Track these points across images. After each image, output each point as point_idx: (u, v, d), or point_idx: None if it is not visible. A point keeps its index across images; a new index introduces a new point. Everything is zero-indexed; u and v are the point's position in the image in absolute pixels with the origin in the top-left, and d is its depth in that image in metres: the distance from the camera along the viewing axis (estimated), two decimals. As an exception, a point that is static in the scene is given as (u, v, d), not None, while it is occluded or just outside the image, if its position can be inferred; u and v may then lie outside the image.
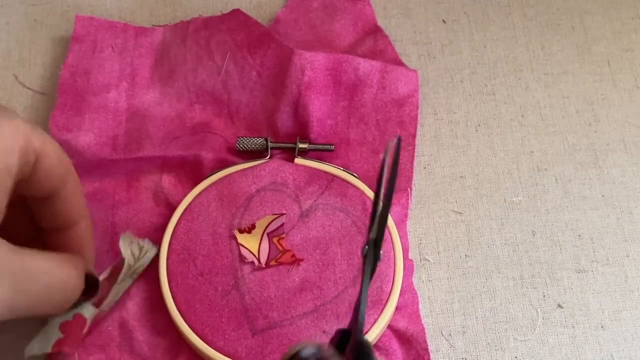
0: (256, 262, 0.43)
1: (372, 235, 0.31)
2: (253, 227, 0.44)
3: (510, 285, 0.45)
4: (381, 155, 0.27)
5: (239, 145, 0.47)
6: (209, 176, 0.46)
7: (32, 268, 0.34)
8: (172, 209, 0.45)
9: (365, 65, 0.48)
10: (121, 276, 0.43)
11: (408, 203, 0.46)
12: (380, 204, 0.31)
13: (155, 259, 0.44)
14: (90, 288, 0.39)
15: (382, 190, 0.31)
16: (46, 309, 0.36)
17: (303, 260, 0.43)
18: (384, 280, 0.42)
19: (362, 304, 0.30)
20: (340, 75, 0.48)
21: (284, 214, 0.44)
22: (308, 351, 0.27)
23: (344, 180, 0.45)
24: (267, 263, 0.43)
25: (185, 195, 0.45)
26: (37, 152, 0.34)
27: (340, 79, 0.48)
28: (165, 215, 0.46)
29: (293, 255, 0.43)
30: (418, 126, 0.49)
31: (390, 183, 0.30)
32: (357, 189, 0.45)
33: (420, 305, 0.44)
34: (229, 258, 0.43)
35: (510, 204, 0.47)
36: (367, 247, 0.31)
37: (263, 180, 0.45)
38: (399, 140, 0.30)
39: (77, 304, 0.40)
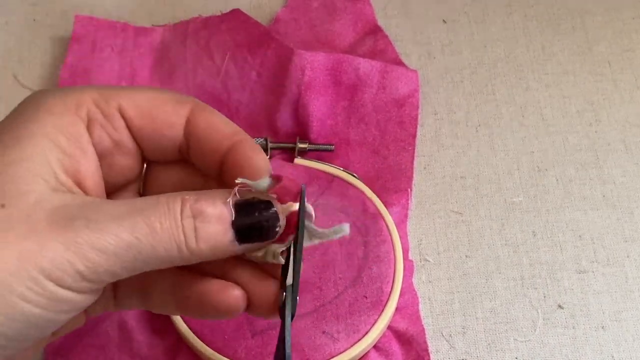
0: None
1: (289, 281, 0.29)
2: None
3: (511, 286, 0.45)
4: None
5: (239, 145, 0.47)
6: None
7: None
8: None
9: (366, 65, 0.48)
10: None
11: (408, 203, 0.46)
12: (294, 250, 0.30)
13: None
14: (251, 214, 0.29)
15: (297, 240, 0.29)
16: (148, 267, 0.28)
17: (303, 260, 0.43)
18: (384, 281, 0.42)
19: (287, 348, 0.29)
20: (340, 75, 0.48)
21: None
22: None
23: (344, 180, 0.45)
24: None
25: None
26: (117, 103, 0.30)
27: (340, 79, 0.48)
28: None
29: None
30: (418, 126, 0.49)
31: (300, 231, 0.29)
32: (357, 189, 0.45)
33: (420, 306, 0.44)
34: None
35: (511, 205, 0.47)
36: (284, 293, 0.29)
37: (263, 181, 0.45)
38: (304, 189, 0.29)
39: None
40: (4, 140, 0.28)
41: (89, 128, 0.30)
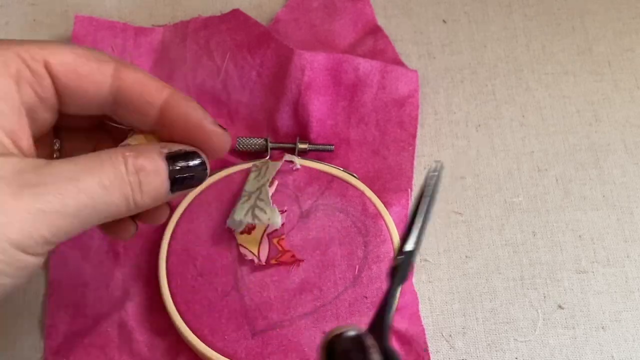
0: (256, 260, 0.43)
1: (409, 247, 0.31)
2: (253, 227, 0.44)
3: (511, 286, 0.45)
4: (431, 168, 0.27)
5: (239, 145, 0.47)
6: (209, 176, 0.46)
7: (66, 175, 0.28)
8: (172, 209, 0.45)
9: (365, 65, 0.48)
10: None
11: (408, 203, 0.46)
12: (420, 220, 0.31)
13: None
14: (184, 164, 0.32)
15: (424, 207, 0.31)
16: (109, 214, 0.30)
17: (303, 261, 0.43)
18: (383, 281, 0.42)
19: (387, 313, 0.29)
20: (340, 75, 0.48)
21: (286, 210, 0.44)
22: (351, 334, 0.27)
23: (343, 180, 0.45)
24: (267, 261, 0.43)
25: (185, 196, 0.45)
26: (43, 59, 0.30)
27: (340, 79, 0.48)
28: (164, 216, 0.46)
29: (293, 256, 0.43)
30: (418, 126, 0.49)
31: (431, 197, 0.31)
32: (357, 189, 0.45)
33: (420, 306, 0.44)
34: (228, 259, 0.43)
35: (511, 205, 0.47)
36: (400, 257, 0.31)
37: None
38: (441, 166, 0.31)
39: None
40: None
41: (17, 86, 0.30)
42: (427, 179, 0.31)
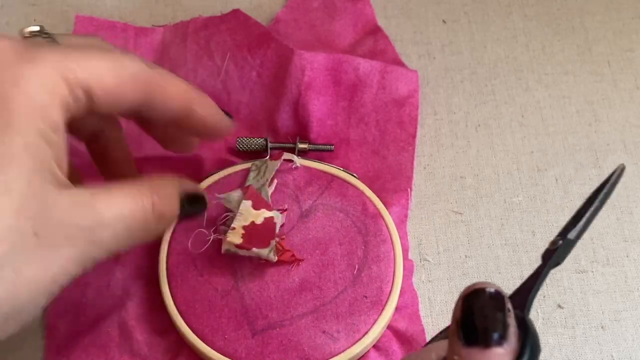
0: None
1: (572, 235, 0.32)
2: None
3: (510, 286, 0.45)
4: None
5: (239, 145, 0.47)
6: (209, 176, 0.46)
7: (105, 213, 0.31)
8: (172, 209, 0.45)
9: (365, 66, 0.48)
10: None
11: (408, 203, 0.46)
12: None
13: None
14: (194, 206, 0.37)
15: (598, 202, 0.32)
16: (127, 245, 0.34)
17: (303, 260, 0.43)
18: (383, 281, 0.42)
19: (535, 291, 0.30)
20: (340, 76, 0.48)
21: (287, 209, 0.44)
22: (493, 291, 0.26)
23: (343, 180, 0.45)
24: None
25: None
26: (86, 85, 0.31)
27: (340, 79, 0.48)
28: (165, 216, 0.46)
29: (293, 255, 0.43)
30: (418, 126, 0.49)
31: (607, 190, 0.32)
32: (357, 189, 0.45)
33: (420, 306, 0.44)
34: (228, 258, 0.43)
35: (511, 205, 0.47)
36: (560, 242, 0.31)
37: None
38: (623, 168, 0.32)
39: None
40: None
41: (62, 111, 0.31)
42: (611, 177, 0.32)
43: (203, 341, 0.41)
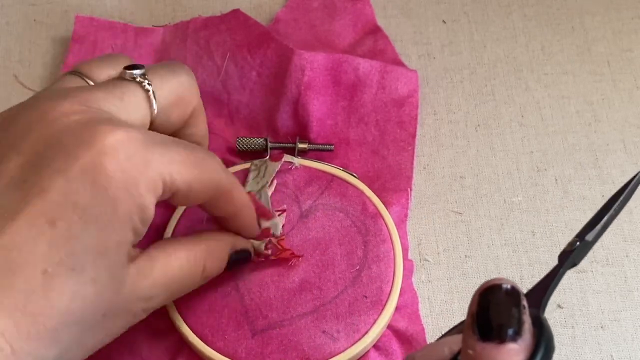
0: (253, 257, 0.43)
1: (590, 237, 0.32)
2: None
3: (510, 286, 0.45)
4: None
5: (239, 145, 0.47)
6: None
7: (160, 280, 0.35)
8: (172, 209, 0.45)
9: (365, 65, 0.48)
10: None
11: (408, 203, 0.46)
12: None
13: None
14: (239, 258, 0.41)
15: (618, 205, 0.33)
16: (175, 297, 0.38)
17: (302, 255, 0.43)
18: (383, 281, 0.42)
19: (550, 290, 0.31)
20: (340, 75, 0.48)
21: (285, 209, 0.44)
22: (509, 287, 0.27)
23: (343, 180, 0.45)
24: (267, 256, 0.43)
25: None
26: (176, 189, 0.35)
27: (340, 79, 0.48)
28: (165, 216, 0.46)
29: (292, 253, 0.43)
30: (418, 126, 0.49)
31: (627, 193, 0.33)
32: (357, 189, 0.45)
33: (420, 306, 0.44)
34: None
35: (510, 204, 0.47)
36: (578, 243, 0.32)
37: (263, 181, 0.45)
38: None
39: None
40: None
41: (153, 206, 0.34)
42: (631, 181, 0.33)
43: (203, 341, 0.41)
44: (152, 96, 0.37)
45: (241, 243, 0.41)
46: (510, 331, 0.25)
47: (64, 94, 0.34)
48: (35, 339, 0.30)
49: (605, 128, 0.50)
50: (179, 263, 0.36)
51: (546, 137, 0.49)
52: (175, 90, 0.38)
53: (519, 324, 0.26)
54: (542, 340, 0.26)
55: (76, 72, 0.38)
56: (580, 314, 0.44)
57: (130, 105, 0.36)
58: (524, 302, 0.26)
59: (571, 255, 0.32)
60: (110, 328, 0.34)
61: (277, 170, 0.45)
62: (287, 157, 0.46)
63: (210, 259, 0.38)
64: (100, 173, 0.31)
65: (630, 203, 0.47)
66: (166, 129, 0.39)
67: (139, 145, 0.33)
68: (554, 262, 0.45)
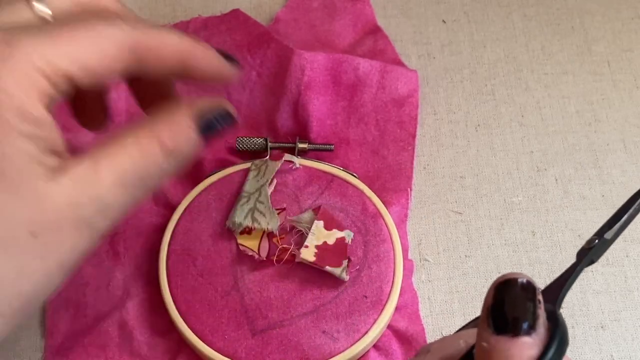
0: (256, 256, 0.43)
1: (608, 235, 0.32)
2: (253, 228, 0.44)
3: (510, 286, 0.45)
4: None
5: (239, 145, 0.47)
6: (208, 176, 0.46)
7: (106, 180, 0.30)
8: (172, 209, 0.45)
9: (365, 65, 0.48)
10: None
11: (408, 203, 0.46)
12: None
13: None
14: (219, 123, 0.34)
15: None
16: (144, 195, 0.32)
17: (300, 253, 0.43)
18: (383, 281, 0.42)
19: (567, 286, 0.31)
20: (340, 75, 0.48)
21: (285, 209, 0.44)
22: (525, 281, 0.27)
23: (343, 180, 0.45)
24: (267, 257, 0.43)
25: (185, 195, 0.45)
26: (67, 72, 0.30)
27: (340, 79, 0.48)
28: (165, 215, 0.46)
29: (292, 254, 0.43)
30: (418, 126, 0.49)
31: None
32: (357, 189, 0.45)
33: (420, 306, 0.44)
34: (228, 258, 0.43)
35: (510, 204, 0.47)
36: (597, 241, 0.32)
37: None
38: None
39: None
40: None
41: (42, 103, 0.30)
42: None
43: (203, 341, 0.41)
44: (37, 5, 0.32)
45: (207, 104, 0.34)
46: (524, 325, 0.26)
47: None
48: None
49: (605, 128, 0.50)
50: (127, 152, 0.31)
51: (546, 137, 0.49)
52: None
53: (534, 317, 0.26)
54: (557, 335, 0.26)
55: None
56: (581, 314, 0.44)
57: (6, 14, 0.31)
58: (539, 297, 0.27)
59: (589, 253, 0.32)
60: (59, 246, 0.30)
61: (277, 169, 0.45)
62: (287, 157, 0.46)
63: (166, 129, 0.32)
64: None
65: (631, 203, 0.47)
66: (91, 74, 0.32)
67: (2, 39, 0.29)
68: (553, 262, 0.46)
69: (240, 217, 0.43)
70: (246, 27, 0.50)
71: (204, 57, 0.35)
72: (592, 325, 0.44)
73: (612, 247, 0.45)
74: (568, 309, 0.44)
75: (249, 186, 0.44)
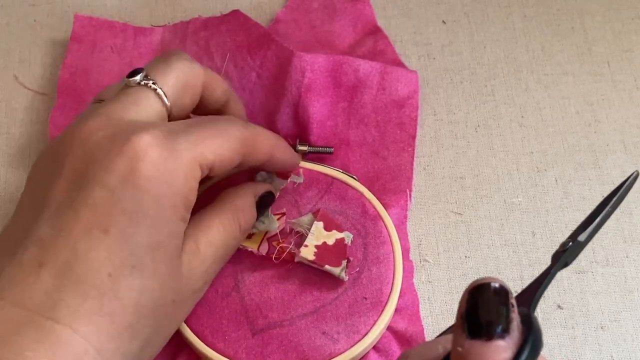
0: (256, 252, 0.43)
1: (582, 238, 0.33)
2: (252, 232, 0.44)
3: (510, 286, 0.45)
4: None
5: (239, 146, 0.47)
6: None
7: (208, 254, 0.38)
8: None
9: (365, 67, 0.48)
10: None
11: (408, 204, 0.46)
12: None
13: None
14: (267, 203, 0.43)
15: (610, 207, 0.33)
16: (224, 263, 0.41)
17: (300, 252, 0.43)
18: (383, 282, 0.42)
19: (541, 290, 0.31)
20: (340, 77, 0.48)
21: (285, 213, 0.44)
22: (498, 285, 0.27)
23: (343, 182, 0.45)
24: (267, 254, 0.43)
25: None
26: (212, 163, 0.37)
27: (340, 80, 0.48)
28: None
29: (292, 254, 0.43)
30: (418, 127, 0.49)
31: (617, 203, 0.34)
32: (357, 191, 0.45)
33: (420, 306, 0.44)
34: (228, 260, 0.43)
35: (510, 205, 0.47)
36: (570, 243, 0.33)
37: (263, 182, 0.45)
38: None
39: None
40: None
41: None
42: (624, 183, 0.34)
43: (203, 342, 0.41)
44: (160, 92, 0.38)
45: (262, 188, 0.43)
46: (498, 328, 0.26)
47: (86, 116, 0.37)
48: (116, 337, 0.33)
49: (605, 128, 0.50)
50: (217, 231, 0.39)
51: (546, 137, 0.49)
52: (178, 79, 0.39)
53: (507, 321, 0.26)
54: (530, 337, 0.26)
55: (95, 101, 0.41)
56: (581, 315, 0.44)
57: (145, 107, 0.38)
58: (512, 301, 0.27)
59: (563, 256, 0.32)
60: (183, 311, 0.38)
61: (282, 188, 0.45)
62: (293, 178, 0.45)
63: (242, 213, 0.40)
64: (138, 177, 0.34)
65: (631, 204, 0.47)
66: (184, 113, 0.41)
67: (165, 140, 0.35)
68: (554, 263, 0.45)
69: None
70: (246, 28, 0.50)
71: (285, 150, 0.43)
72: (592, 326, 0.44)
73: (612, 247, 0.46)
74: (568, 309, 0.44)
75: None
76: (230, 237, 0.40)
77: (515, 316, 0.26)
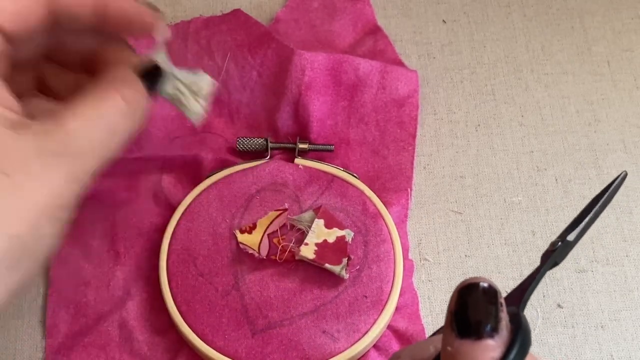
0: (256, 254, 0.43)
1: (571, 237, 0.34)
2: (254, 227, 0.44)
3: (510, 286, 0.45)
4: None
5: (239, 145, 0.47)
6: (209, 176, 0.46)
7: (76, 128, 0.32)
8: (172, 209, 0.45)
9: (365, 66, 0.48)
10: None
11: (408, 203, 0.46)
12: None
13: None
14: (153, 77, 0.37)
15: (599, 207, 0.34)
16: (120, 144, 0.34)
17: (301, 252, 0.43)
18: (383, 281, 0.42)
19: (531, 289, 0.32)
20: (340, 76, 0.48)
21: (287, 209, 0.44)
22: (486, 285, 0.27)
23: (343, 180, 0.46)
24: (267, 256, 0.43)
25: (185, 196, 0.45)
26: None
27: (340, 79, 0.48)
28: (165, 216, 0.46)
29: (292, 254, 0.43)
30: (418, 126, 0.49)
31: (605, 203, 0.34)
32: (357, 189, 0.45)
33: (420, 305, 0.44)
34: (229, 258, 0.43)
35: (510, 204, 0.47)
36: (560, 243, 0.33)
37: (263, 181, 0.45)
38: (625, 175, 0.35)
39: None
40: None
41: None
42: (613, 183, 0.34)
43: (203, 341, 0.41)
44: None
45: (138, 59, 0.37)
46: (487, 327, 0.26)
47: None
48: None
49: (605, 128, 0.50)
50: (90, 103, 0.33)
51: (546, 137, 0.49)
52: None
53: (496, 320, 0.26)
54: (519, 336, 0.26)
55: None
56: (581, 314, 0.44)
57: None
58: (501, 300, 0.27)
59: (552, 255, 0.33)
60: (42, 186, 0.31)
61: (211, 89, 0.40)
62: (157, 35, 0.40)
63: (120, 82, 0.34)
64: None
65: (631, 203, 0.47)
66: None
67: None
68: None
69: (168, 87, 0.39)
70: (247, 27, 0.50)
71: (118, 3, 0.35)
72: (592, 325, 0.44)
73: (612, 246, 0.46)
74: (568, 308, 0.44)
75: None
76: (112, 110, 0.33)
77: (504, 315, 0.27)
